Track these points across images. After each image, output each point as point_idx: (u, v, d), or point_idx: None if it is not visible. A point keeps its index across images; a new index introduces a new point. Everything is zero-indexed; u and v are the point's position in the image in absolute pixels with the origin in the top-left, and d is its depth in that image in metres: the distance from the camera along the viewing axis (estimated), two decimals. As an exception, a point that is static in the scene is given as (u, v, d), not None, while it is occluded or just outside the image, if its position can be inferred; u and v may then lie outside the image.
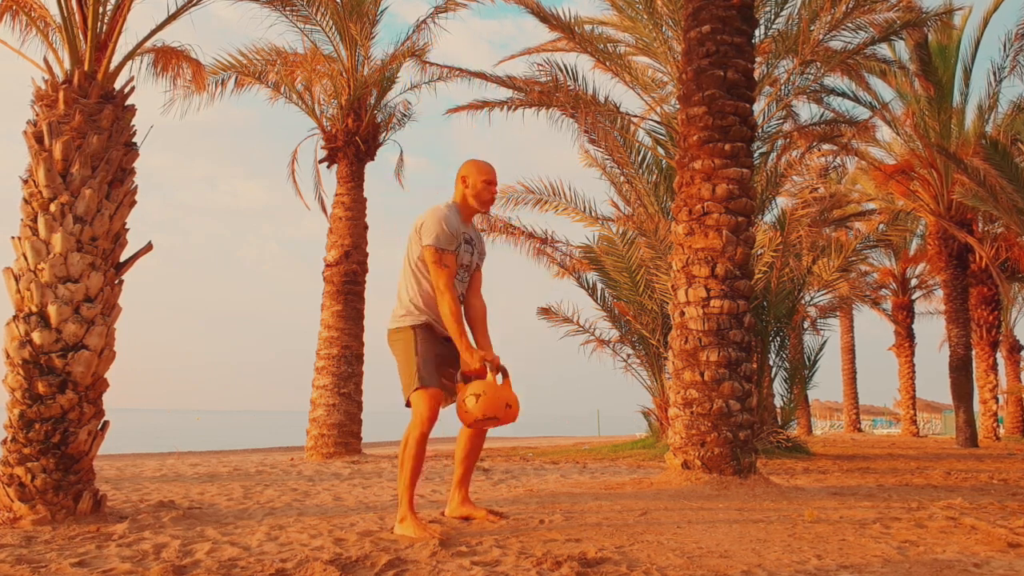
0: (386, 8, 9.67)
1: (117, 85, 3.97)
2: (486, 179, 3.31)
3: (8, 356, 3.58)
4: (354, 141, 9.50)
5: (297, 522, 3.57)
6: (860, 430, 23.65)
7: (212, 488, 5.30)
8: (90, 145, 3.74)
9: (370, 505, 4.30)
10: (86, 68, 3.88)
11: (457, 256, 3.23)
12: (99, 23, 3.91)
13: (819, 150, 11.12)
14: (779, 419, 10.84)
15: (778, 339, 10.61)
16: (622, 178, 10.58)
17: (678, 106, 6.24)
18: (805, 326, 13.18)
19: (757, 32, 6.64)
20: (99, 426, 3.74)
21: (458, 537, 3.00)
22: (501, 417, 3.06)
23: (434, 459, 8.11)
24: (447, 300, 3.12)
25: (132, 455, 12.06)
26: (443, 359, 3.27)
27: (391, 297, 3.39)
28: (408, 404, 3.15)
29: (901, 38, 10.22)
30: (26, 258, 3.63)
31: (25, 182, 3.75)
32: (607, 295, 11.24)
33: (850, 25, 8.52)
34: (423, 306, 3.24)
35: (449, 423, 3.39)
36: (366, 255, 9.55)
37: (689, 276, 5.34)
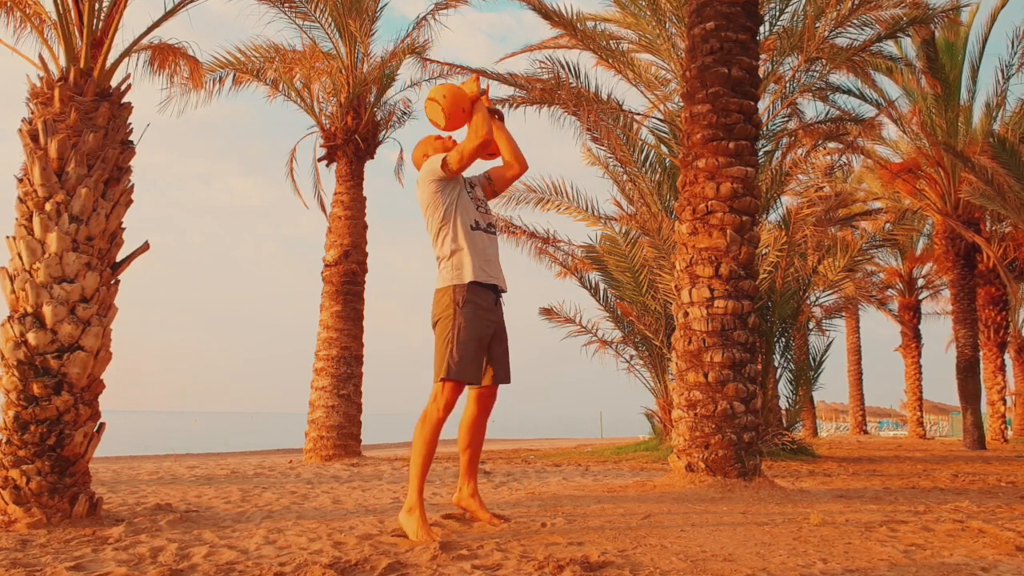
0: (386, 4, 9.63)
1: (113, 82, 3.94)
2: (436, 135, 3.48)
3: (3, 357, 3.55)
4: (353, 139, 9.46)
5: (296, 525, 3.53)
6: (866, 432, 23.53)
7: (209, 491, 5.26)
8: (86, 143, 3.70)
9: (370, 508, 4.25)
10: (82, 65, 3.84)
11: (471, 193, 3.30)
12: (95, 20, 3.87)
13: (824, 148, 11.04)
14: (784, 421, 10.77)
15: (783, 340, 10.53)
16: (625, 177, 10.53)
17: (682, 104, 6.19)
18: (810, 327, 13.10)
19: (762, 29, 6.59)
20: (95, 428, 3.70)
21: (459, 541, 2.96)
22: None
23: (435, 461, 8.06)
24: (475, 141, 3.18)
25: (128, 457, 12.05)
26: (484, 339, 3.15)
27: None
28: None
29: (908, 35, 10.15)
30: (21, 258, 3.60)
31: (20, 181, 3.72)
32: (610, 295, 11.18)
33: (856, 22, 8.46)
34: (467, 255, 3.15)
35: (452, 424, 3.36)
36: (365, 255, 9.51)
37: (693, 276, 5.28)
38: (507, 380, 3.31)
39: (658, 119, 9.62)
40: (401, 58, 9.74)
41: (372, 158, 9.84)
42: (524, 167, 3.44)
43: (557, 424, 59.19)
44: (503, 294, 3.29)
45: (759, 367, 5.86)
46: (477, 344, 3.11)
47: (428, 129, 4.21)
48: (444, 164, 3.20)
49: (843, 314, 18.27)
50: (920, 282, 19.45)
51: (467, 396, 3.31)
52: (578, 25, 8.90)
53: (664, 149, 9.71)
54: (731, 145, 5.28)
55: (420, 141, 3.52)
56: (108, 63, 3.94)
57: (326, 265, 9.36)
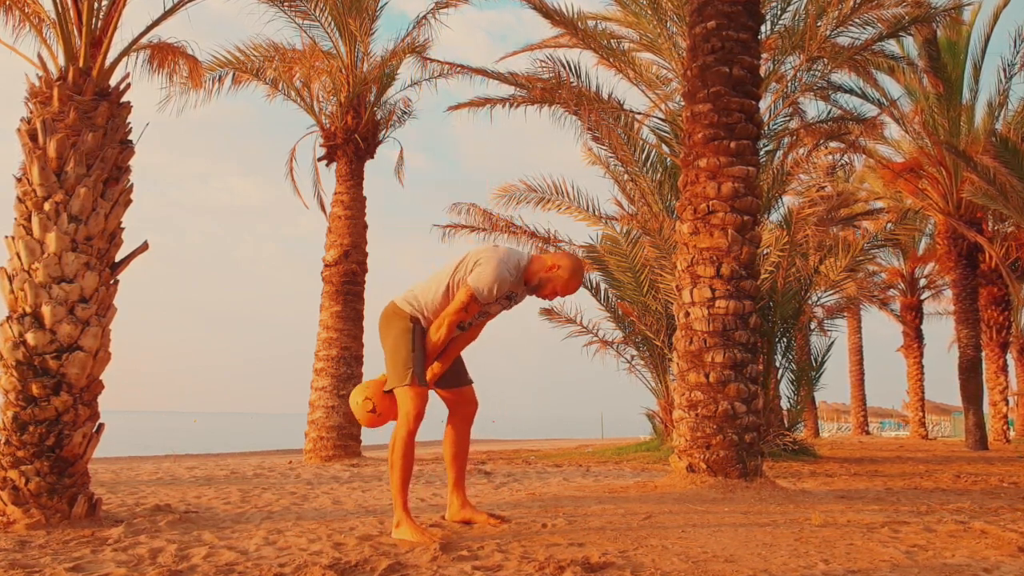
0: (386, 3, 9.59)
1: (112, 82, 3.92)
2: (564, 286, 3.15)
3: (2, 357, 3.53)
4: (353, 139, 9.43)
5: (295, 526, 3.52)
6: (868, 432, 23.51)
7: (209, 492, 5.25)
8: (85, 143, 3.69)
9: (370, 509, 4.25)
10: (81, 64, 3.83)
11: (488, 305, 3.19)
12: (94, 19, 3.86)
13: (826, 148, 11.01)
14: (785, 421, 10.76)
15: (784, 340, 10.51)
16: (626, 176, 10.52)
17: (683, 103, 6.17)
18: (812, 327, 13.08)
19: (763, 28, 6.56)
20: (94, 428, 3.69)
21: (459, 541, 2.95)
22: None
23: (434, 462, 8.05)
24: (442, 332, 3.15)
25: (128, 458, 12.04)
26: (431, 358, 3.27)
27: (391, 298, 3.34)
28: (391, 392, 3.17)
29: (910, 34, 10.12)
30: (20, 258, 3.59)
31: (19, 180, 3.70)
32: (610, 295, 11.17)
33: (857, 21, 8.43)
34: (431, 316, 3.21)
35: (441, 425, 3.39)
36: (365, 255, 9.49)
37: (694, 276, 5.27)
38: (470, 381, 3.40)
39: (659, 118, 9.61)
40: (401, 57, 9.71)
41: (372, 158, 9.82)
42: None
43: (558, 424, 59.19)
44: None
45: (760, 367, 5.84)
46: (426, 357, 3.19)
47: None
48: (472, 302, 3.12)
49: (845, 314, 18.24)
50: (922, 282, 19.42)
51: (448, 410, 3.40)
52: (579, 24, 8.88)
53: (665, 148, 9.69)
54: (732, 144, 5.27)
55: (571, 258, 3.23)
56: (107, 62, 3.92)
57: (326, 265, 9.35)
